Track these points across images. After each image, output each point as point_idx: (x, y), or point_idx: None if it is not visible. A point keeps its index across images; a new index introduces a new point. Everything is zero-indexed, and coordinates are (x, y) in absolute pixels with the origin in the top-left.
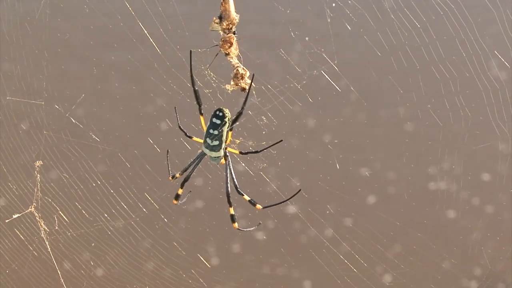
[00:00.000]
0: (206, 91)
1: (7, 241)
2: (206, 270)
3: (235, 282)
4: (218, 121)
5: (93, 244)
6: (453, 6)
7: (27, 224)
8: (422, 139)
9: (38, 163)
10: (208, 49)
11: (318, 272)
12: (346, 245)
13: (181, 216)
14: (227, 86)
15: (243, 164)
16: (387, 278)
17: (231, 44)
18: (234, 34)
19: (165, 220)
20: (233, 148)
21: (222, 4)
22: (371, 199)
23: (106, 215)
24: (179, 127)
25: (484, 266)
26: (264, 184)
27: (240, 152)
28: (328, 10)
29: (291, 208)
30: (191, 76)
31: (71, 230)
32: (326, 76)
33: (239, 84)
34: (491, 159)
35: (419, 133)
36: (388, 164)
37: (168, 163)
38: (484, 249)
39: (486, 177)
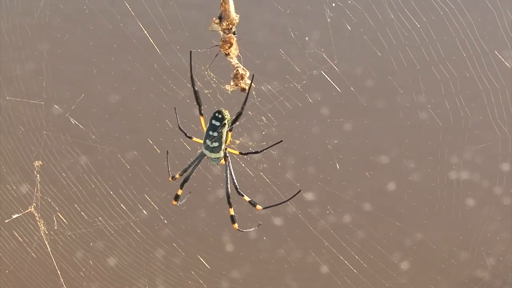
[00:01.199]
0: (206, 91)
1: (5, 243)
2: (206, 271)
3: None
4: (218, 123)
5: (91, 244)
6: (453, 6)
7: (25, 226)
8: (422, 139)
9: (38, 163)
10: (208, 50)
11: (318, 272)
12: (345, 246)
13: (180, 217)
14: (227, 87)
15: (243, 165)
16: (387, 279)
17: (231, 44)
18: (234, 34)
19: (165, 221)
20: (233, 148)
21: (222, 5)
22: (371, 200)
23: (105, 216)
24: (179, 127)
25: (484, 267)
26: (264, 185)
27: (240, 153)
28: (328, 10)
29: (291, 209)
30: (191, 76)
31: (69, 232)
32: (326, 76)
33: (239, 85)
34: (491, 159)
35: (419, 133)
36: (388, 164)
37: (168, 164)
38: (484, 250)
39: (486, 177)
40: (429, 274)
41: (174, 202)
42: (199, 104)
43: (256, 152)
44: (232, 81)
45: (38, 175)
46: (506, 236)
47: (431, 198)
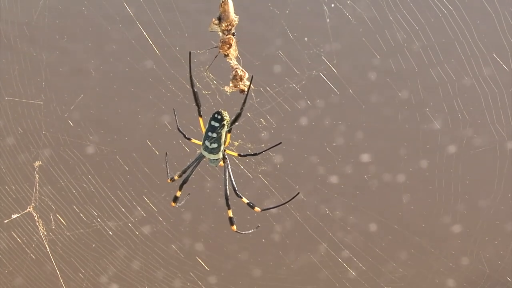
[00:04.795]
0: (205, 92)
1: (4, 243)
2: (204, 272)
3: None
4: (217, 124)
5: (93, 245)
6: (452, 9)
7: (23, 226)
8: (420, 142)
9: (36, 163)
10: (208, 51)
11: (317, 275)
12: (344, 248)
13: (179, 218)
14: (226, 88)
15: (241, 167)
16: (386, 282)
17: (230, 45)
18: (233, 35)
19: (164, 222)
20: (231, 150)
21: (221, 5)
22: (370, 203)
23: (104, 217)
24: (178, 129)
25: (482, 270)
26: (263, 187)
27: (239, 155)
28: (327, 11)
29: (289, 210)
30: (190, 77)
31: (68, 232)
32: (324, 78)
33: (238, 86)
34: (489, 163)
35: (417, 136)
36: (387, 167)
37: (166, 165)
38: (482, 253)
39: (484, 181)
40: (428, 277)
41: (173, 204)
42: (198, 105)
43: (255, 154)
44: (231, 82)
45: (37, 175)
46: (504, 240)
47: (429, 201)
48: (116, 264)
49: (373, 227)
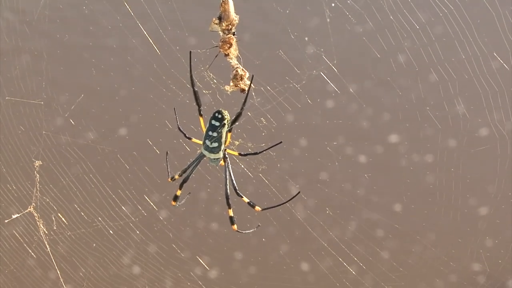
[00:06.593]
0: (206, 92)
1: (5, 243)
2: (205, 272)
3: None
4: (217, 123)
5: (94, 245)
6: (452, 8)
7: (25, 226)
8: (420, 141)
9: (37, 163)
10: (208, 50)
11: (317, 274)
12: (345, 248)
13: (179, 217)
14: (227, 87)
15: (242, 166)
16: (386, 281)
17: (231, 45)
18: (233, 35)
19: (164, 222)
20: (232, 149)
21: (221, 5)
22: (370, 202)
23: (104, 216)
24: (179, 128)
25: (482, 269)
26: (263, 186)
27: (239, 154)
28: (328, 11)
29: (290, 210)
30: (191, 77)
31: (69, 232)
32: (325, 77)
33: (239, 85)
34: (490, 162)
35: (417, 136)
36: (387, 166)
37: (167, 165)
38: (482, 252)
39: (484, 179)
40: (428, 276)
41: (173, 203)
42: (198, 104)
43: (255, 153)
44: (231, 81)
45: (37, 175)
46: (504, 238)
47: (430, 200)
48: (116, 263)
49: (373, 226)
